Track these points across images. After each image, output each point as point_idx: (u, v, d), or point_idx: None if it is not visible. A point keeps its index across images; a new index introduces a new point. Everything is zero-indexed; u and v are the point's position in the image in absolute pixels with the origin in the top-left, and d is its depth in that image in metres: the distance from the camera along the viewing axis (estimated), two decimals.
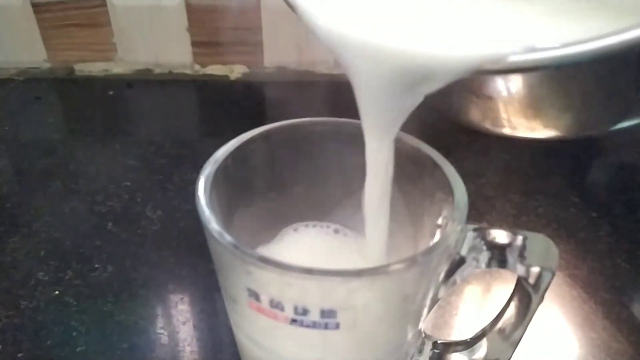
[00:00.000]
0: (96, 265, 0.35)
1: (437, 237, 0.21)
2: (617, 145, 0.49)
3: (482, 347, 0.24)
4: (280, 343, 0.20)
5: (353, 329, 0.18)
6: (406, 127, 0.23)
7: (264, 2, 0.52)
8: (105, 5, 0.51)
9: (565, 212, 0.41)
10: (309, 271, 0.17)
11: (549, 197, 0.43)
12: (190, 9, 0.52)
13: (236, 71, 0.56)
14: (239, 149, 0.22)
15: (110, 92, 0.53)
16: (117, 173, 0.43)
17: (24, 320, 0.31)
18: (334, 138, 0.24)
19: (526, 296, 0.20)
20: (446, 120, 0.46)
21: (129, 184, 0.42)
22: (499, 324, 0.23)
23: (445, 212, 0.21)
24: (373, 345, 0.20)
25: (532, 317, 0.21)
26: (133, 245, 0.37)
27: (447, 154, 0.22)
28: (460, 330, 0.31)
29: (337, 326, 0.18)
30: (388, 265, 0.17)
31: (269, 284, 0.18)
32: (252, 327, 0.20)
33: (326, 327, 0.18)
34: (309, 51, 0.55)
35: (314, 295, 0.17)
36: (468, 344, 0.24)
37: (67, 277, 0.34)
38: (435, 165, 0.22)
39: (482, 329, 0.24)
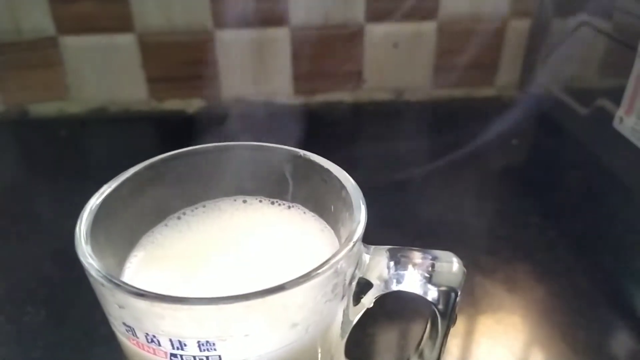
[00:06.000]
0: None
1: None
2: (582, 167, 0.48)
3: None
4: None
5: None
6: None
7: (218, 34, 0.51)
8: (57, 45, 0.51)
9: (524, 233, 0.40)
10: (178, 300, 0.15)
11: (507, 219, 0.42)
12: (144, 47, 0.52)
13: (193, 105, 0.55)
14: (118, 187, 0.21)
15: (63, 132, 0.53)
16: (62, 214, 0.42)
17: None
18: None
19: (436, 318, 0.19)
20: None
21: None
22: (419, 350, 0.21)
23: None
24: None
25: (443, 342, 0.19)
26: (70, 287, 0.35)
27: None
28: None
29: None
30: (264, 291, 0.16)
31: (141, 317, 0.16)
32: None
33: None
34: (266, 81, 0.54)
35: (187, 327, 0.16)
36: None
37: None
38: (342, 185, 0.21)
39: (407, 356, 0.22)
